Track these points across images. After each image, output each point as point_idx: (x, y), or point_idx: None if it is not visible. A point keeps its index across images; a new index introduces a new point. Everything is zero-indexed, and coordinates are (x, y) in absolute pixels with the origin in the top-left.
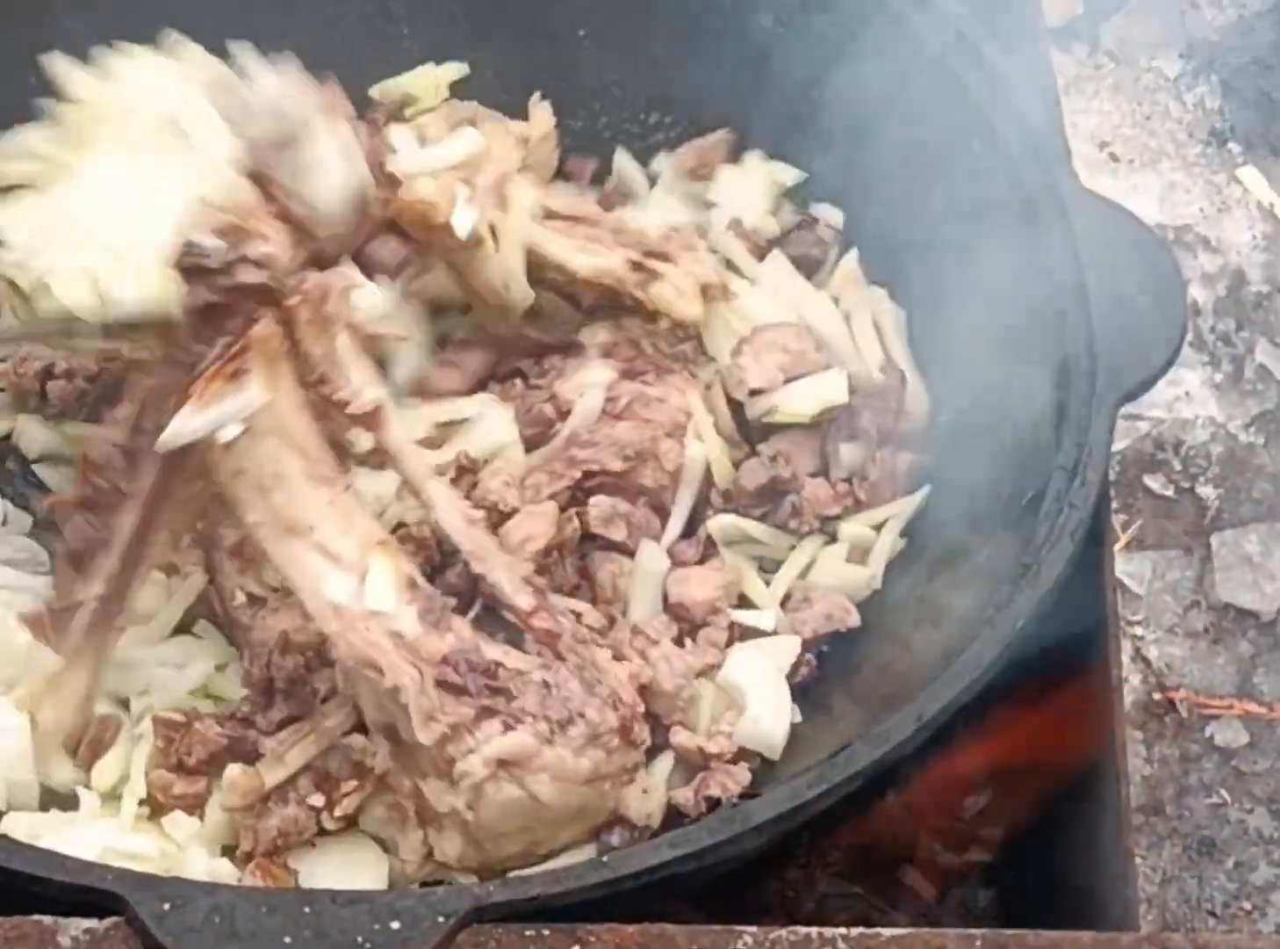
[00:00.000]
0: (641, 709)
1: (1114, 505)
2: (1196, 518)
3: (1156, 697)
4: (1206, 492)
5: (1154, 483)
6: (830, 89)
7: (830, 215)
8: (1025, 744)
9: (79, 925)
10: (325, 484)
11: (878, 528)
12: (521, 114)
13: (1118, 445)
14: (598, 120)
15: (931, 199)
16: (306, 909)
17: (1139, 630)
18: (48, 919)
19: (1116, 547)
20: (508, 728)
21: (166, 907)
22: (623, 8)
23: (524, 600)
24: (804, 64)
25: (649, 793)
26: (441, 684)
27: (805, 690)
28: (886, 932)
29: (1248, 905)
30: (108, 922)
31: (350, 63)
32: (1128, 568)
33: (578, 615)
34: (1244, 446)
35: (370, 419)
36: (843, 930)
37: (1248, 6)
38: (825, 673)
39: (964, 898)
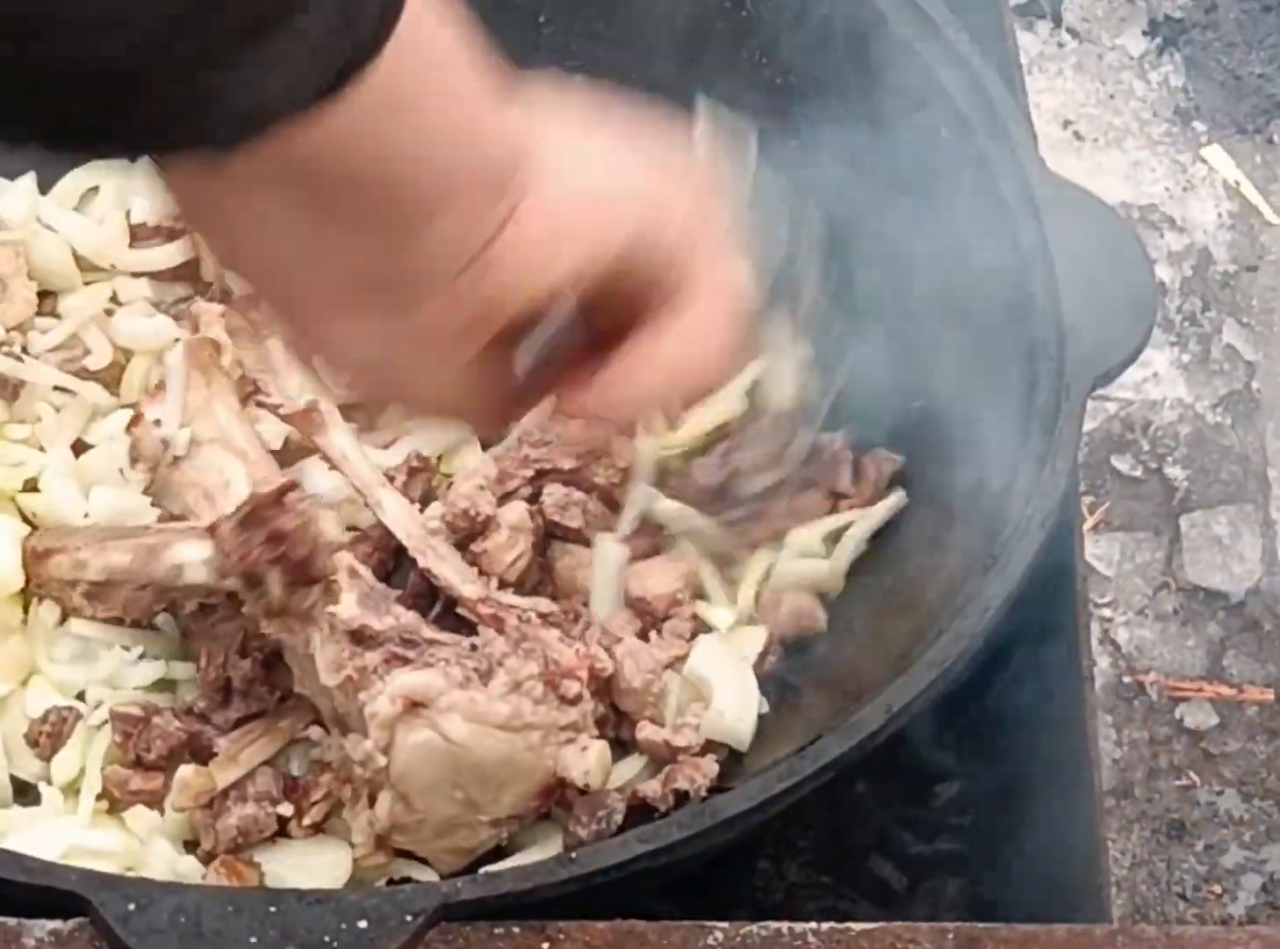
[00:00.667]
0: (584, 674)
1: (1081, 487)
2: (1165, 499)
3: (1126, 680)
4: (1175, 473)
5: (1122, 464)
6: (793, 73)
7: None
8: None
9: (43, 927)
10: (267, 487)
11: (839, 532)
12: None
13: (1086, 427)
14: None
15: (896, 185)
16: (272, 909)
17: (1108, 612)
18: (11, 921)
19: (1085, 527)
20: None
21: (131, 907)
22: None
23: (471, 590)
24: (764, 45)
25: (588, 750)
26: (353, 634)
27: (772, 680)
28: (857, 926)
29: (1218, 889)
30: (72, 923)
31: None
32: (1096, 550)
33: (542, 616)
34: (1212, 427)
35: (304, 422)
36: (813, 925)
37: None
38: (793, 663)
39: (934, 887)
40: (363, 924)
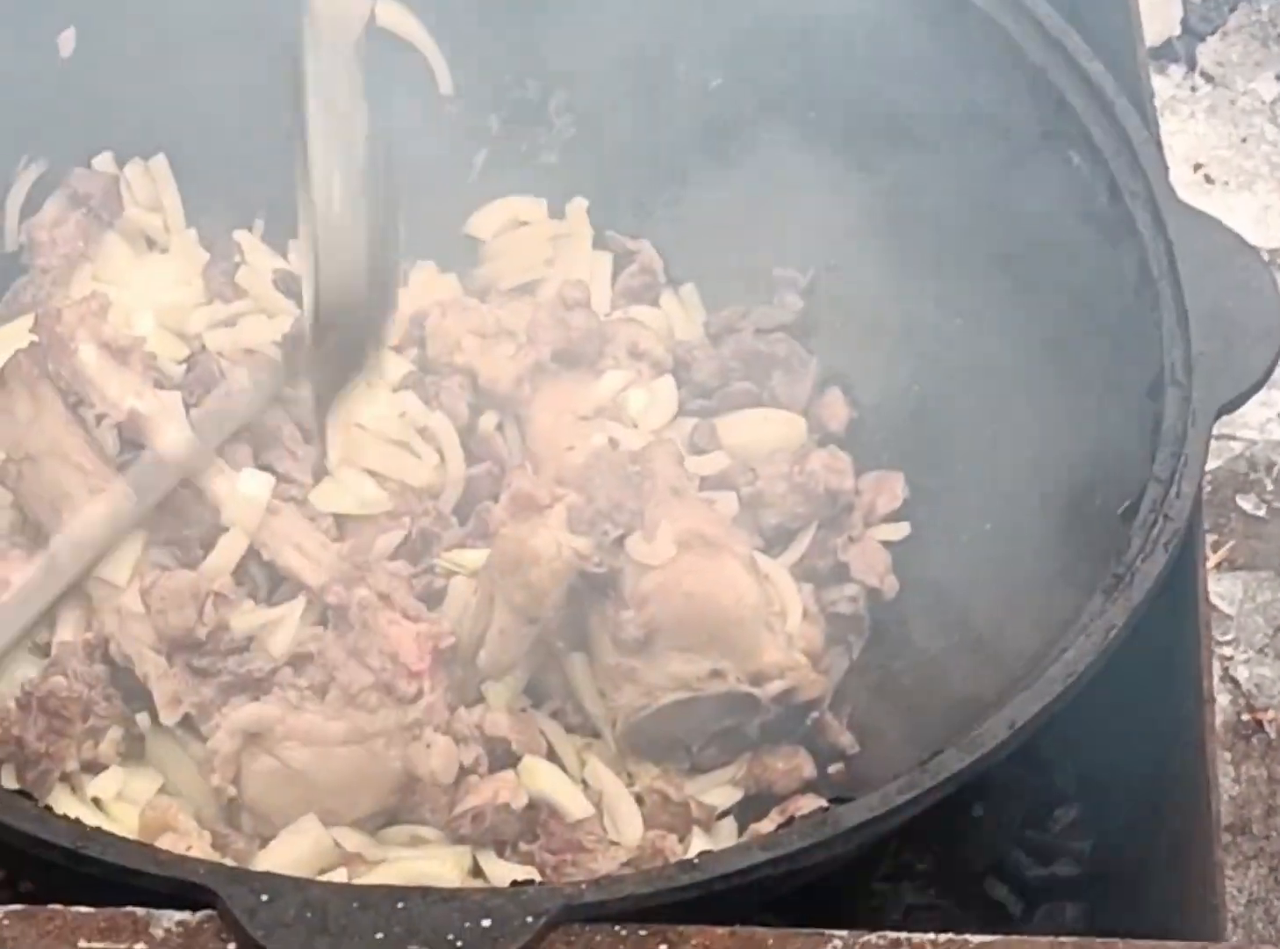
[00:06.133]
0: (423, 666)
1: (1205, 525)
2: None
3: (1245, 717)
4: None
5: (1246, 503)
6: (929, 100)
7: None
8: None
9: (171, 918)
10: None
11: None
12: None
13: (1210, 465)
14: None
15: (1030, 212)
16: (399, 905)
17: (1228, 651)
18: (140, 911)
19: (1208, 565)
20: (255, 701)
21: (259, 901)
22: None
23: (314, 577)
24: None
25: (432, 746)
26: (189, 667)
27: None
28: (975, 938)
29: None
30: (200, 914)
31: None
32: (1219, 588)
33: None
34: None
35: (134, 429)
36: (931, 936)
37: None
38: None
39: (1051, 911)
40: (486, 923)
